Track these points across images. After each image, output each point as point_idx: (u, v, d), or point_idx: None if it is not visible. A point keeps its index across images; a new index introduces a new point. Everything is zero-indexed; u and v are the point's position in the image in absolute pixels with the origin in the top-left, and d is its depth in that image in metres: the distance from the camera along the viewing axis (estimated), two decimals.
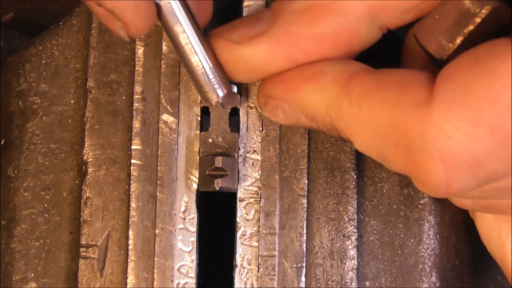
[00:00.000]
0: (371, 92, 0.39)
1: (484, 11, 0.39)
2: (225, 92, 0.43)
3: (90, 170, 0.48)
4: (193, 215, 0.46)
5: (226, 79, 0.44)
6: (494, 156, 0.36)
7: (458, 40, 0.40)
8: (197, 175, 0.46)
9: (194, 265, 0.46)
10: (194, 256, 0.46)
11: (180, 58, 0.43)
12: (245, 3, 0.47)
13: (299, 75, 0.42)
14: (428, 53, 0.41)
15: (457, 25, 0.40)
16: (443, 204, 0.48)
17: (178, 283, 0.46)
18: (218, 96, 0.43)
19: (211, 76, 0.43)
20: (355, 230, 0.47)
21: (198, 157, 0.47)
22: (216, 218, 0.51)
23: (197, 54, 0.42)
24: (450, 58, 0.40)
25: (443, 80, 0.37)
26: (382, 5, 0.41)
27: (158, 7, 0.41)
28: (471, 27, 0.39)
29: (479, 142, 0.36)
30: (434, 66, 0.41)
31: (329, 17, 0.41)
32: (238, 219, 0.46)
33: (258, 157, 0.47)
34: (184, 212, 0.46)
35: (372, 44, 0.43)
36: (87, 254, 0.47)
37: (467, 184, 0.37)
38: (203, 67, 0.42)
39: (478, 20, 0.39)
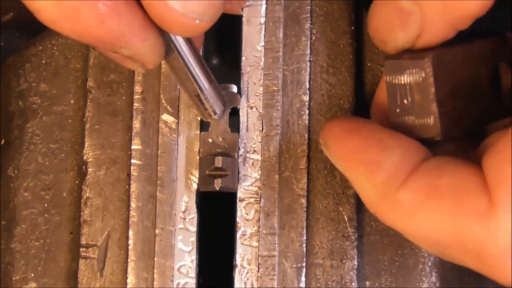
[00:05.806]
0: (426, 202, 0.38)
1: (428, 65, 0.38)
2: (219, 112, 0.44)
3: (90, 170, 0.48)
4: (193, 215, 0.46)
5: (222, 98, 0.44)
6: None
7: (434, 108, 0.39)
8: (197, 175, 0.46)
9: (194, 265, 0.46)
10: (194, 256, 0.46)
11: (176, 79, 0.43)
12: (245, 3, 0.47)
13: (359, 154, 0.41)
14: (422, 138, 0.40)
15: (420, 99, 0.39)
16: None
17: (178, 283, 0.46)
18: (211, 116, 0.44)
19: (206, 99, 0.43)
20: (355, 230, 0.47)
21: (198, 157, 0.47)
22: (216, 218, 0.51)
23: (192, 80, 0.42)
24: (443, 123, 0.39)
25: (496, 181, 0.37)
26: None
27: None
28: (432, 89, 0.38)
29: None
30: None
31: None
32: (238, 219, 0.46)
33: (258, 157, 0.47)
34: (184, 212, 0.46)
35: None
36: (87, 254, 0.47)
37: None
38: (199, 91, 0.43)
39: (431, 80, 0.38)
